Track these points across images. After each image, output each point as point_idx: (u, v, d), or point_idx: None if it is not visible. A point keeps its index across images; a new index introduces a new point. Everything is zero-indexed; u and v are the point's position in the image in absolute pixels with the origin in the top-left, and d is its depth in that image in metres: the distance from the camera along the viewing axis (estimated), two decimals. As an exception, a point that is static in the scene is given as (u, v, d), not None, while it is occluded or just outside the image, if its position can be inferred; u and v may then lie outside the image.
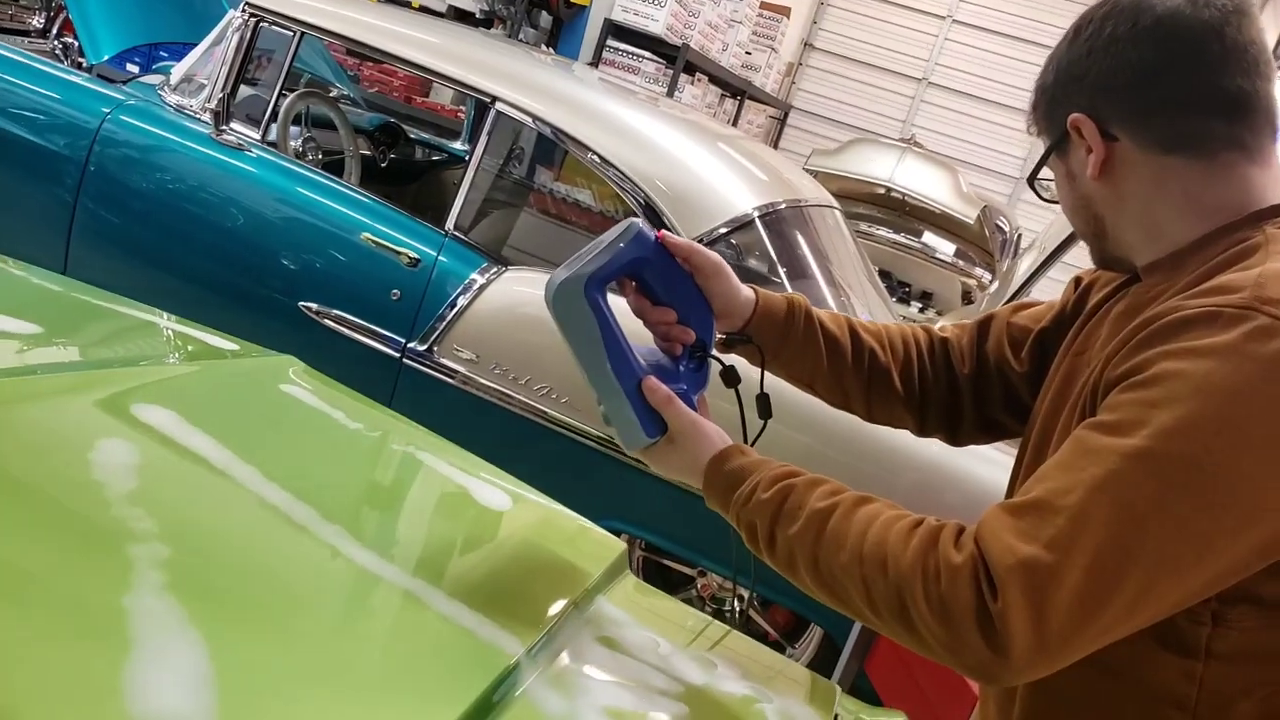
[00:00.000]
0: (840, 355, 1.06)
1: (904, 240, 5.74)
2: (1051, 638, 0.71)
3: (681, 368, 0.99)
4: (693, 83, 6.98)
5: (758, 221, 2.50)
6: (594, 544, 1.05)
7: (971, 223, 5.41)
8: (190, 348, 1.18)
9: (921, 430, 1.11)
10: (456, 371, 2.42)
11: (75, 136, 2.81)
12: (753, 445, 1.00)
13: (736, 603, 1.65)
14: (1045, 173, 0.97)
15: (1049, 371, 0.99)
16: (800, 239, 2.73)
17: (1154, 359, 0.76)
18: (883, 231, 5.75)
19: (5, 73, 2.95)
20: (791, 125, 10.29)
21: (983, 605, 0.72)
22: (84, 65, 3.49)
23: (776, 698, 0.92)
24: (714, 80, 7.53)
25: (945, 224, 5.70)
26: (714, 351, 1.02)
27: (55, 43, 5.31)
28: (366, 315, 2.50)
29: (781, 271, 2.51)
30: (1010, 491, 1.00)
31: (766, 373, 1.04)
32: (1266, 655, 0.80)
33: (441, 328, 2.44)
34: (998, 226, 5.90)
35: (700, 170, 2.61)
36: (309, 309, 2.54)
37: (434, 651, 0.75)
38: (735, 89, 8.01)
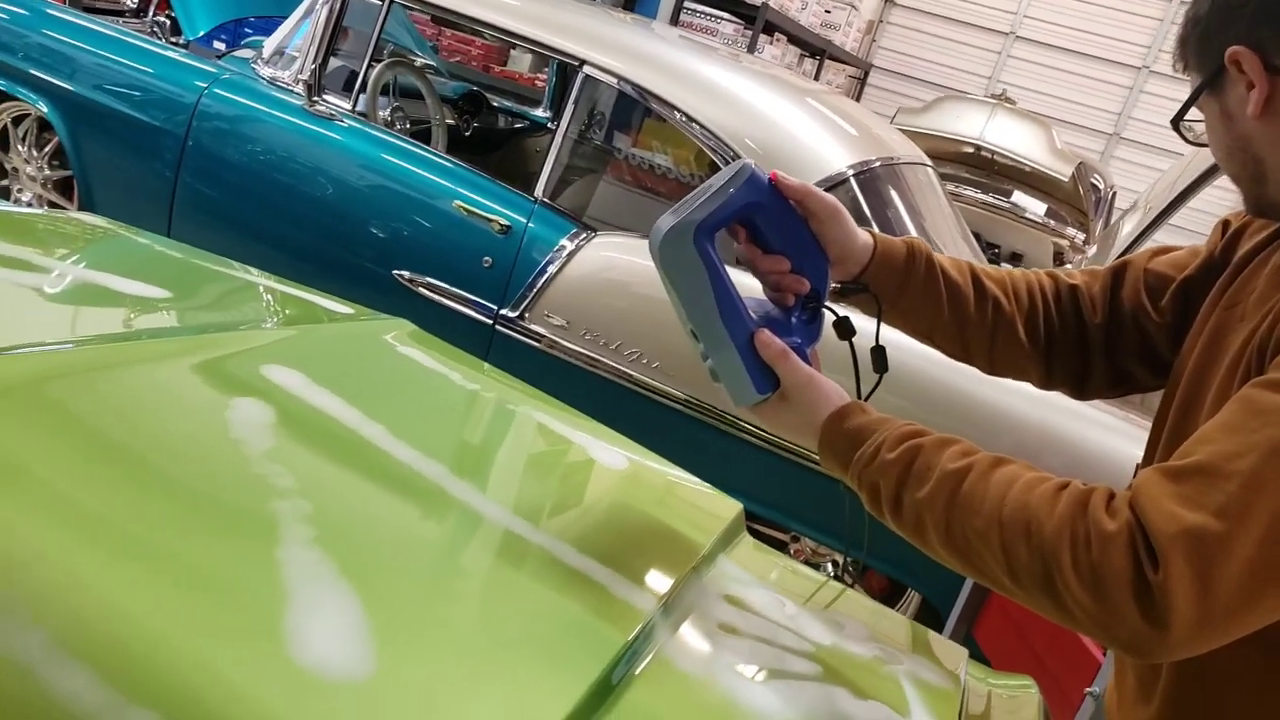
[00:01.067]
0: (962, 304, 1.00)
1: (992, 200, 5.56)
2: (1217, 612, 0.67)
3: (794, 319, 0.93)
4: (771, 43, 6.85)
5: (852, 180, 2.44)
6: (712, 504, 1.04)
7: (1065, 181, 5.21)
8: (307, 311, 1.21)
9: (1047, 383, 1.05)
10: (547, 337, 2.43)
11: (175, 111, 2.89)
12: (867, 401, 0.96)
13: (836, 566, 1.62)
14: (1193, 113, 0.90)
15: (1194, 324, 0.93)
16: (895, 197, 2.66)
17: None
18: (970, 191, 5.58)
19: (108, 50, 3.04)
20: (872, 85, 10.03)
21: (1140, 575, 0.68)
22: (179, 42, 3.58)
23: (905, 659, 0.90)
24: (793, 40, 7.38)
25: (1037, 182, 5.50)
26: (827, 302, 0.95)
27: (150, 21, 5.48)
28: (459, 282, 2.53)
29: (875, 229, 2.45)
30: (1151, 453, 0.95)
31: (890, 321, 0.99)
32: None
33: (532, 294, 2.45)
34: (1092, 185, 5.67)
35: (791, 127, 2.55)
36: (402, 277, 2.58)
37: (574, 606, 0.75)
38: (814, 48, 7.83)
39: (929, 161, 3.09)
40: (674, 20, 6.44)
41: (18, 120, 3.34)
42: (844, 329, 0.96)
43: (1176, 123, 0.90)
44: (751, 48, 6.35)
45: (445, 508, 0.83)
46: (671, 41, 3.14)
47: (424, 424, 0.97)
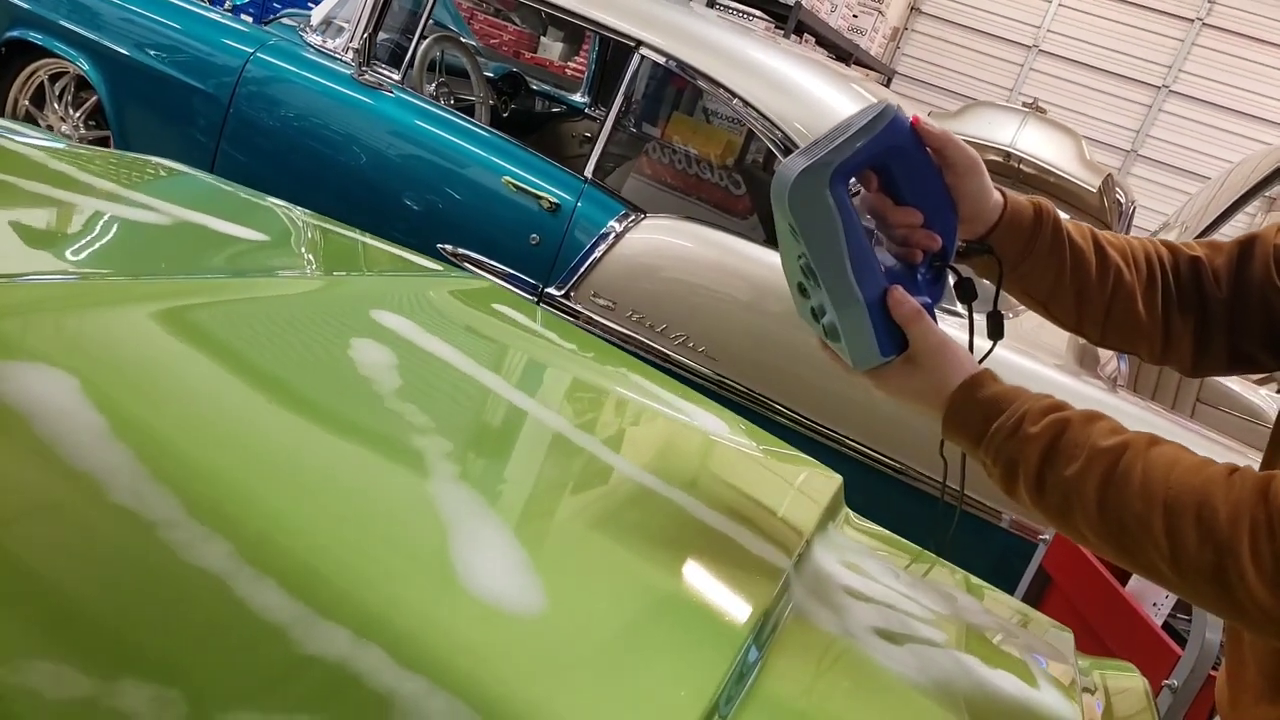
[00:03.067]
0: (1084, 271, 0.92)
1: (1016, 210, 5.55)
2: None
3: (920, 278, 0.86)
4: (801, 43, 6.84)
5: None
6: (816, 473, 1.03)
7: (1093, 193, 5.20)
8: (399, 264, 1.19)
9: (1159, 358, 0.98)
10: (592, 318, 2.42)
11: (220, 75, 2.87)
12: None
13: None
14: None
15: None
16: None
17: None
18: (997, 200, 5.57)
19: (154, 10, 3.02)
20: (894, 91, 10.03)
21: None
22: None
23: (1021, 634, 0.89)
24: (821, 41, 7.38)
25: (1061, 193, 5.49)
26: (951, 264, 0.87)
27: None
28: (504, 258, 2.51)
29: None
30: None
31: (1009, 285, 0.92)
32: None
33: (579, 273, 2.43)
34: (1116, 199, 5.67)
35: (839, 112, 2.54)
36: (446, 249, 2.56)
37: (719, 557, 0.74)
38: (842, 51, 7.83)
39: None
40: (705, 15, 6.43)
41: (55, 78, 3.31)
42: (966, 291, 0.89)
43: None
44: (782, 46, 6.35)
45: (573, 456, 0.81)
46: (718, 24, 3.13)
47: (533, 377, 0.96)
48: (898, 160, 0.83)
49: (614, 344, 2.36)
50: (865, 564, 0.88)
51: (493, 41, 5.67)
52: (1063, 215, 0.95)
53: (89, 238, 1.01)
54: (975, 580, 1.00)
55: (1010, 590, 1.86)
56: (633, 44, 2.55)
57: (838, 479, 1.02)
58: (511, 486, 0.72)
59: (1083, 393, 2.15)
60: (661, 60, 2.53)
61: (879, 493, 2.11)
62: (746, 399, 2.27)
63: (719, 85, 2.47)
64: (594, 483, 0.80)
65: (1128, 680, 0.92)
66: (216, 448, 0.59)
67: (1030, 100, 6.30)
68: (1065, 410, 0.78)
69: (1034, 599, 1.65)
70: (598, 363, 1.11)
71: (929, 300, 0.85)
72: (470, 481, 0.69)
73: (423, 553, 0.58)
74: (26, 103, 3.37)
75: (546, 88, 4.07)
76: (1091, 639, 1.44)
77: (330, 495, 0.60)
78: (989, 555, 2.17)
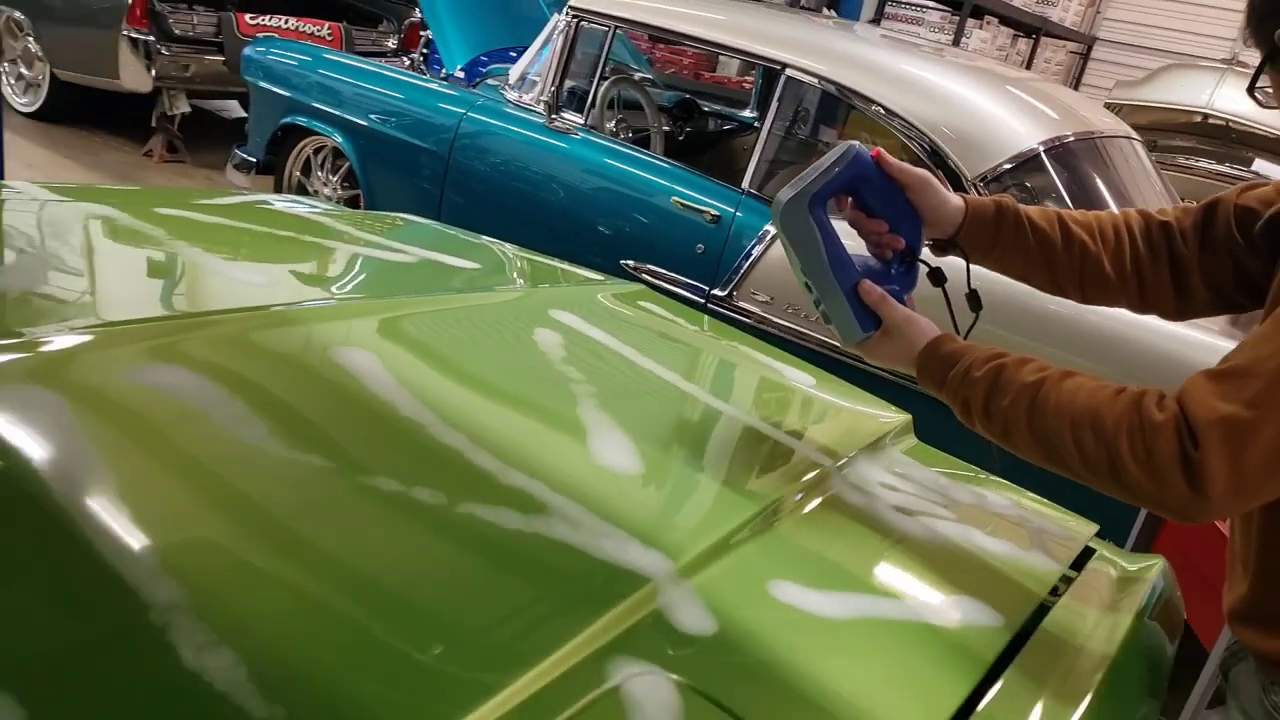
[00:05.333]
0: (1050, 248, 1.15)
1: (1230, 170, 5.27)
2: (1247, 482, 0.85)
3: (893, 271, 1.11)
4: (980, 27, 6.78)
5: (1043, 155, 2.57)
6: (886, 410, 1.32)
7: (1310, 143, 4.87)
8: (569, 276, 1.60)
9: (1140, 309, 1.20)
10: (754, 313, 2.73)
11: (439, 134, 3.44)
12: (966, 336, 1.10)
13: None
14: (1264, 80, 1.04)
15: None
16: (1091, 170, 2.75)
17: None
18: (1204, 163, 5.31)
19: (386, 87, 3.66)
20: (1096, 59, 9.55)
21: (1185, 455, 0.84)
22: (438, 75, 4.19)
23: (1036, 519, 1.13)
24: (1005, 21, 7.25)
25: (1272, 145, 5.16)
26: (923, 256, 1.12)
27: (406, 59, 6.30)
28: (676, 267, 2.88)
29: (1068, 201, 2.57)
30: None
31: (983, 270, 1.15)
32: None
33: (739, 275, 2.76)
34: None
35: (983, 112, 2.71)
36: (628, 265, 2.96)
37: (775, 459, 1.09)
38: (1029, 28, 7.64)
39: (1134, 135, 3.12)
40: (878, 14, 6.54)
41: (317, 150, 4.06)
42: (936, 278, 1.15)
43: (1251, 90, 1.06)
44: (959, 34, 6.34)
45: (677, 395, 1.18)
46: (870, 40, 3.36)
47: (658, 347, 1.33)
48: (863, 185, 1.10)
49: (772, 335, 2.67)
50: (911, 472, 1.16)
51: (671, 68, 6.08)
52: (1028, 207, 1.17)
53: (350, 274, 1.48)
54: (1029, 495, 1.23)
55: (1125, 532, 2.00)
56: (779, 66, 2.85)
57: (905, 416, 1.30)
58: (631, 413, 1.09)
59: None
60: (808, 79, 2.81)
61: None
62: (889, 374, 2.50)
63: (864, 97, 2.72)
64: (690, 412, 1.16)
65: (1149, 565, 1.13)
66: (464, 385, 1.03)
67: (1230, 55, 5.92)
68: (1004, 357, 1.01)
69: (1147, 539, 1.78)
70: (710, 336, 1.48)
71: (898, 287, 1.11)
72: (608, 410, 1.06)
73: (570, 442, 0.97)
74: (298, 172, 4.14)
75: (718, 107, 4.42)
76: (1195, 573, 1.58)
77: (528, 412, 1.03)
78: (1104, 496, 2.27)
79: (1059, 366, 0.98)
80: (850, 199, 1.12)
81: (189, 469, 0.79)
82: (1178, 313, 1.20)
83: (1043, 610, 0.96)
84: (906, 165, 1.12)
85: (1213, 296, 1.17)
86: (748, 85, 6.11)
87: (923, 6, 6.42)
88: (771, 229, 2.73)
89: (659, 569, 0.78)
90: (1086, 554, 1.14)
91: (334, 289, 1.36)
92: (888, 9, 6.57)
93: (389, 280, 1.47)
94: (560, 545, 0.80)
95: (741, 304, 2.76)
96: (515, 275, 1.62)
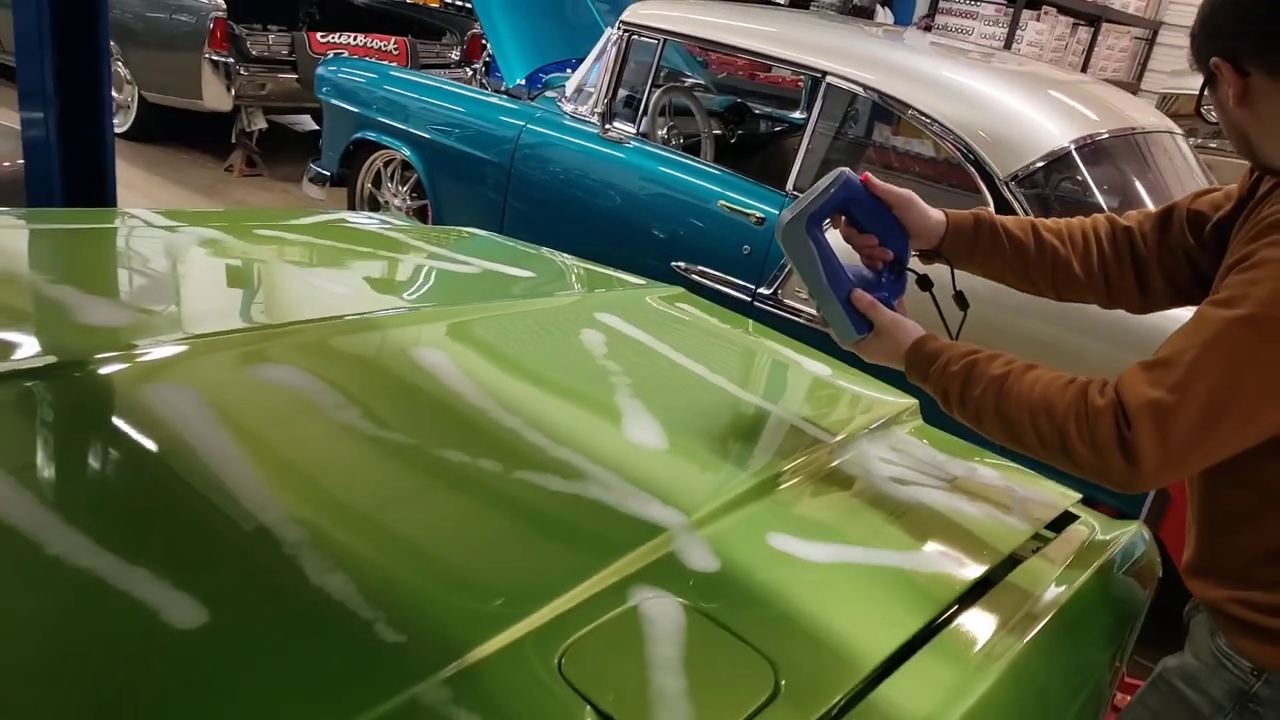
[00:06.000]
0: (1024, 253, 1.31)
1: None
2: (1173, 456, 0.99)
3: (883, 279, 1.25)
4: (1037, 18, 6.77)
5: (1074, 153, 2.68)
6: (893, 396, 1.48)
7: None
8: (616, 282, 1.80)
9: (1108, 304, 1.34)
10: (799, 310, 2.89)
11: (501, 146, 3.66)
12: (958, 334, 1.26)
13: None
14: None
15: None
16: (1125, 165, 2.84)
17: (1258, 249, 1.00)
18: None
19: (449, 102, 3.90)
20: (1163, 44, 9.38)
21: (1121, 435, 0.99)
22: (494, 87, 4.42)
23: (1022, 488, 1.28)
24: (1064, 10, 7.22)
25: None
26: (910, 265, 1.27)
27: (476, 72, 6.58)
28: (724, 268, 3.05)
29: (1100, 194, 2.67)
30: None
31: (969, 274, 1.31)
32: None
33: (783, 274, 2.91)
34: None
35: (1016, 113, 2.83)
36: (679, 267, 3.14)
37: (782, 435, 1.26)
38: (1089, 15, 7.59)
39: (1175, 129, 3.18)
40: (932, 9, 6.59)
41: (386, 164, 4.33)
42: (923, 284, 1.30)
43: (1197, 108, 1.19)
44: (1013, 25, 6.35)
45: (696, 382, 1.37)
46: (913, 49, 3.48)
47: (686, 337, 1.53)
48: (853, 205, 1.26)
49: (817, 331, 2.82)
50: (911, 449, 1.32)
51: (726, 70, 6.22)
52: (1005, 218, 1.32)
53: (422, 284, 1.69)
54: (1019, 468, 1.37)
55: (1137, 509, 2.11)
56: (820, 74, 2.99)
57: (913, 401, 1.46)
58: (662, 401, 1.27)
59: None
60: (848, 85, 2.95)
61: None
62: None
63: (902, 103, 2.85)
64: (713, 398, 1.34)
65: (1128, 530, 1.27)
66: (520, 378, 1.25)
67: None
68: (977, 354, 1.16)
69: (1159, 513, 1.89)
70: (738, 332, 1.67)
71: (887, 294, 1.26)
72: (641, 398, 1.24)
73: (607, 423, 1.17)
74: (369, 184, 4.41)
75: (769, 110, 4.57)
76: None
77: (574, 399, 1.24)
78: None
79: (1025, 361, 1.13)
80: (844, 217, 1.28)
81: (304, 442, 1.00)
82: (1141, 307, 1.34)
83: (1016, 563, 1.12)
84: (891, 187, 1.29)
85: (1171, 291, 1.30)
86: (801, 84, 6.22)
87: (976, 0, 6.45)
88: (812, 229, 2.88)
89: (675, 521, 0.96)
90: (1069, 519, 1.28)
91: (407, 298, 1.57)
92: (941, 4, 6.61)
93: (456, 289, 1.69)
94: (595, 503, 0.99)
95: (786, 301, 2.91)
96: (568, 282, 1.82)
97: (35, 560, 0.74)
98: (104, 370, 1.03)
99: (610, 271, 1.88)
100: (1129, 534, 1.28)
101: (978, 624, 0.97)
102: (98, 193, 2.40)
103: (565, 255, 1.94)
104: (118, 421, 1.01)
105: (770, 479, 1.10)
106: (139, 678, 0.67)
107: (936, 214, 1.32)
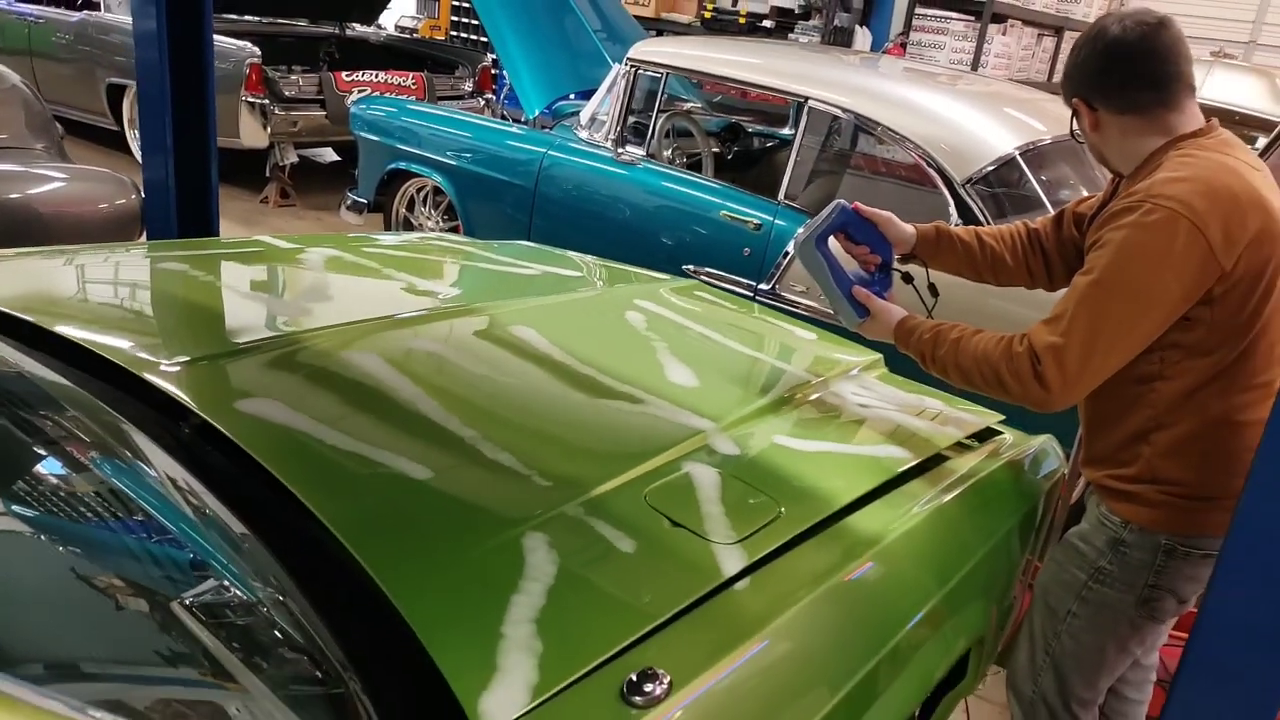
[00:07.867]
0: (971, 253, 1.80)
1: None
2: (1070, 379, 1.43)
3: (875, 278, 1.74)
4: (1002, 32, 7.26)
5: (1019, 158, 3.16)
6: (863, 351, 1.96)
7: (1290, 121, 5.29)
8: (641, 278, 2.29)
9: (1030, 285, 1.82)
10: (794, 301, 3.36)
11: (526, 171, 4.14)
12: (931, 313, 1.71)
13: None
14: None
15: None
16: (1064, 166, 3.34)
17: (1105, 233, 1.45)
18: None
19: (474, 135, 4.39)
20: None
21: (1035, 369, 1.45)
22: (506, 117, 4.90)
23: (958, 413, 1.76)
24: (1028, 23, 7.71)
25: (1251, 126, 5.58)
26: (894, 266, 1.75)
27: (480, 101, 7.08)
28: (728, 268, 3.52)
29: (1042, 191, 3.15)
30: None
31: (936, 270, 1.80)
32: (1188, 371, 1.49)
33: (779, 271, 3.38)
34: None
35: (969, 126, 3.31)
36: (689, 269, 3.62)
37: (766, 380, 1.74)
38: (1053, 25, 8.09)
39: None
40: (907, 27, 7.09)
41: (419, 190, 4.82)
42: (905, 279, 1.79)
43: (1071, 134, 1.65)
44: (980, 39, 6.84)
45: (709, 346, 1.86)
46: (884, 74, 3.98)
47: (700, 314, 2.02)
48: (849, 225, 1.75)
49: (806, 316, 3.30)
50: (875, 388, 1.80)
51: (719, 93, 6.71)
52: (956, 227, 1.80)
53: (499, 282, 2.18)
54: (960, 401, 1.85)
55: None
56: (802, 99, 3.48)
57: (877, 354, 1.94)
58: (688, 357, 1.75)
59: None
60: (827, 108, 3.44)
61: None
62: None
63: (872, 121, 3.34)
64: (726, 357, 1.82)
65: (1041, 441, 1.75)
66: (581, 349, 1.71)
67: (1217, 49, 6.33)
68: (941, 326, 1.62)
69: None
70: (742, 312, 2.16)
71: (879, 288, 1.74)
72: (673, 355, 1.72)
73: (653, 371, 1.64)
74: (403, 209, 4.90)
75: (761, 127, 5.07)
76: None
77: (626, 359, 1.69)
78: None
79: (975, 327, 1.59)
80: (843, 234, 1.76)
81: (420, 398, 1.47)
82: (1052, 286, 1.83)
83: (947, 457, 1.60)
84: (876, 210, 1.78)
85: (1070, 273, 1.73)
86: (787, 100, 6.71)
87: (946, 17, 6.94)
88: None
89: (709, 427, 1.43)
90: (994, 434, 1.76)
91: (498, 291, 2.07)
92: (915, 22, 7.11)
93: (530, 285, 2.18)
94: (654, 417, 1.47)
95: (783, 294, 3.39)
96: (598, 279, 2.30)
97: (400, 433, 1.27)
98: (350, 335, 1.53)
99: (633, 269, 2.37)
100: (1038, 442, 1.76)
101: (915, 488, 1.46)
102: (205, 225, 2.89)
103: (592, 257, 2.43)
104: (363, 365, 1.50)
105: (774, 403, 1.59)
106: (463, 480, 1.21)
107: (909, 227, 1.80)
